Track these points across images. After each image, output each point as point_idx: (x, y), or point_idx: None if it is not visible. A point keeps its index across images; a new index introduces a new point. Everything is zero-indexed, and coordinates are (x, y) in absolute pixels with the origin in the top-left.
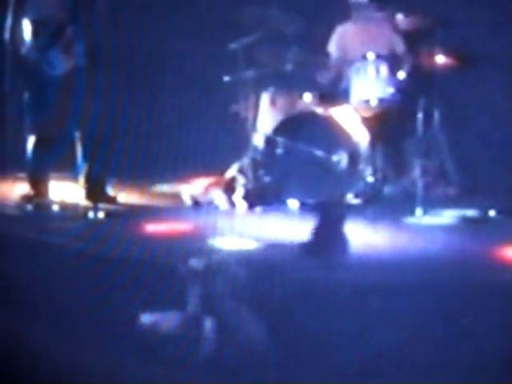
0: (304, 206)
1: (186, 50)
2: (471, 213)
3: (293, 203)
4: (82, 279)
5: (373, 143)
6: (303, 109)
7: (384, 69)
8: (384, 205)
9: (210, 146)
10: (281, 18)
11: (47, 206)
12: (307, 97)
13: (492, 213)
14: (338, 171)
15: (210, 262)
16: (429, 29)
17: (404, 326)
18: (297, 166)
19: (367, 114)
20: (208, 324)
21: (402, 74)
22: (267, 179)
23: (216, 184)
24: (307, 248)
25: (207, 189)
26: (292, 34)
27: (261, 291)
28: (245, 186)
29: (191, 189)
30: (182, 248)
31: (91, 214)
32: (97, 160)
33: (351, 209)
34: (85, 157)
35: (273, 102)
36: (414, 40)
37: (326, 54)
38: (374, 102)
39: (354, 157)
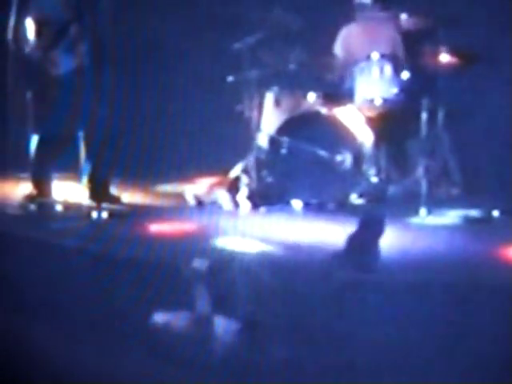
0: (308, 206)
1: (191, 49)
2: (475, 213)
3: (296, 203)
4: (85, 279)
5: (377, 143)
6: (307, 109)
7: (388, 69)
8: (388, 205)
9: (213, 145)
10: (285, 18)
11: (50, 205)
12: (311, 97)
13: (495, 213)
14: (341, 171)
15: (216, 261)
16: (432, 28)
17: (406, 325)
18: (301, 166)
19: (371, 114)
20: (215, 324)
21: (405, 74)
22: (271, 179)
23: (220, 184)
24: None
25: (211, 189)
26: (296, 34)
27: (271, 291)
28: (249, 185)
29: (195, 189)
30: (186, 248)
31: (95, 214)
32: (100, 160)
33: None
34: (88, 157)
35: (277, 102)
36: (418, 40)
37: (331, 55)
38: (378, 102)
39: (357, 157)
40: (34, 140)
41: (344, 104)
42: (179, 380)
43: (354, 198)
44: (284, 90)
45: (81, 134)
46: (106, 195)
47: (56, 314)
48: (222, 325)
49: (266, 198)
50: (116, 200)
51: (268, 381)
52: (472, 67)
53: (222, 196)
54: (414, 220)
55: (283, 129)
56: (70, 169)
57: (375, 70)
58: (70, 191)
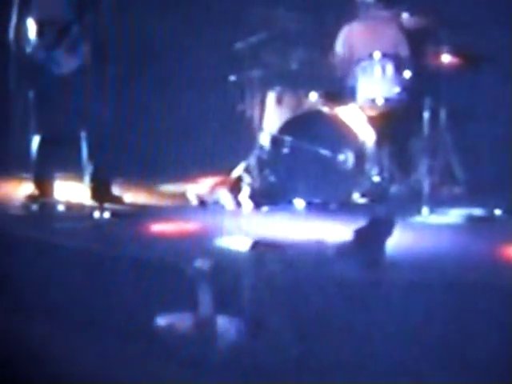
0: (310, 206)
1: (193, 49)
2: (477, 212)
3: (299, 203)
4: (87, 279)
5: (379, 142)
6: (309, 108)
7: (390, 68)
8: (390, 204)
9: (216, 145)
10: (287, 18)
11: (52, 206)
12: (313, 96)
13: (498, 212)
14: (344, 170)
15: (218, 261)
16: (435, 28)
17: (407, 324)
18: (303, 166)
19: (373, 113)
20: (217, 323)
21: (407, 74)
22: (273, 178)
23: (222, 183)
24: (342, 252)
25: (213, 188)
26: (298, 34)
27: (274, 291)
28: (251, 185)
29: (197, 188)
30: (189, 248)
31: (97, 214)
32: (102, 160)
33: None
34: (91, 157)
35: (279, 101)
36: (420, 39)
37: (333, 54)
38: (379, 101)
39: (360, 156)
40: (36, 140)
41: (346, 103)
42: (182, 380)
43: (357, 198)
44: (286, 90)
45: (83, 134)
46: (108, 195)
47: (58, 314)
48: (225, 324)
49: (268, 197)
50: (118, 200)
51: (272, 380)
52: (474, 67)
53: (225, 196)
54: (417, 219)
55: (285, 128)
56: (72, 169)
57: (377, 69)
58: (72, 191)
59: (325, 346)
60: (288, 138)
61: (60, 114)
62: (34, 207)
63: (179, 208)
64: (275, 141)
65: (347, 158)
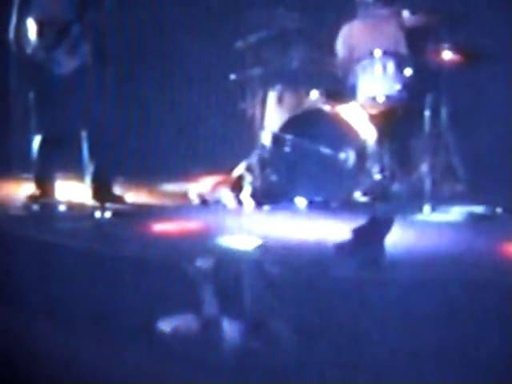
0: (311, 204)
1: (194, 48)
2: (479, 210)
3: (300, 201)
4: (89, 279)
5: (380, 140)
6: (310, 106)
7: (391, 66)
8: (392, 202)
9: (217, 144)
10: (288, 17)
11: (53, 206)
12: (314, 94)
13: (499, 210)
14: (345, 169)
15: (220, 260)
16: (435, 25)
17: (409, 322)
18: (304, 164)
19: (374, 112)
20: (220, 322)
21: (408, 71)
22: (274, 177)
23: (223, 182)
24: (343, 251)
25: (215, 187)
26: (299, 32)
27: (275, 289)
28: (252, 184)
29: (199, 187)
30: (190, 247)
31: (98, 214)
32: (103, 159)
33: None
34: (91, 156)
35: (280, 100)
36: (421, 37)
37: (333, 52)
38: (380, 99)
39: (361, 154)
40: (37, 140)
41: (347, 101)
42: (183, 380)
43: (358, 196)
44: (287, 88)
45: (84, 134)
46: (110, 195)
47: (59, 314)
48: (227, 323)
49: (269, 196)
50: (119, 200)
51: (274, 380)
52: (475, 64)
53: (226, 195)
54: (418, 217)
55: (286, 127)
56: (73, 169)
57: (378, 67)
58: (73, 191)
59: (326, 345)
60: (289, 137)
61: (61, 114)
62: (35, 207)
63: (181, 207)
64: (276, 139)
65: (348, 156)
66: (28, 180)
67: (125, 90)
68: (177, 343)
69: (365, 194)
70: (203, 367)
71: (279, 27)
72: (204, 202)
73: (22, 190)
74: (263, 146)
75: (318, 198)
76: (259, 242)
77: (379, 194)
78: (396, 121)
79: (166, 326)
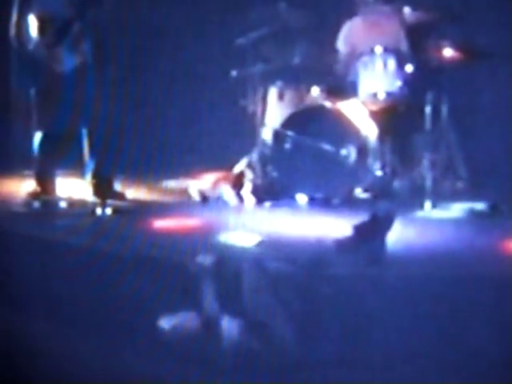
0: (312, 201)
1: (194, 45)
2: (480, 206)
3: (301, 198)
4: (89, 276)
5: (381, 137)
6: (311, 103)
7: (392, 62)
8: (393, 199)
9: (218, 140)
10: (289, 13)
11: (54, 203)
12: (315, 91)
13: (501, 206)
14: (346, 165)
15: (221, 256)
16: (436, 22)
17: (410, 319)
18: (305, 161)
19: (375, 108)
20: (221, 320)
21: (409, 68)
22: (275, 174)
23: (224, 179)
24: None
25: (215, 184)
26: (300, 29)
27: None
28: (253, 180)
29: (199, 184)
30: (191, 244)
31: (99, 211)
32: (104, 156)
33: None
34: (92, 153)
35: (281, 97)
36: (422, 34)
37: (334, 49)
38: (381, 96)
39: (362, 151)
40: (38, 137)
41: (348, 98)
42: (184, 378)
43: (359, 192)
44: (288, 85)
45: (84, 131)
46: (110, 192)
47: (60, 311)
48: (228, 321)
49: (270, 192)
50: (120, 196)
51: (275, 380)
52: (476, 61)
53: (227, 191)
54: (419, 214)
55: (287, 123)
56: (74, 166)
57: (379, 63)
58: (74, 188)
59: (326, 342)
60: (290, 133)
61: (61, 111)
62: (36, 204)
63: (181, 204)
64: (277, 136)
65: (349, 152)
66: (29, 177)
67: (125, 87)
68: (177, 341)
69: (366, 190)
70: (203, 366)
71: (280, 23)
72: (205, 198)
73: (23, 186)
74: (264, 143)
75: (318, 195)
76: (260, 238)
77: (380, 190)
78: (397, 117)
79: (166, 323)
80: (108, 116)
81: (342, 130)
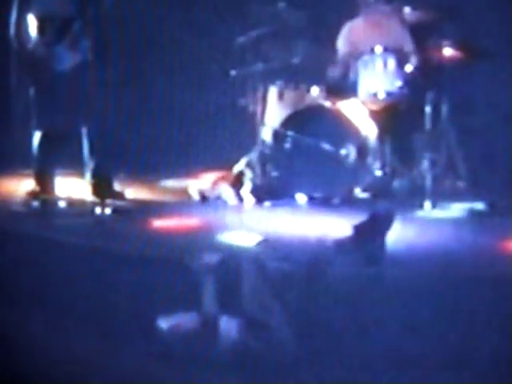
0: (312, 200)
1: (195, 44)
2: (480, 206)
3: (301, 197)
4: (89, 276)
5: (381, 137)
6: (311, 102)
7: (392, 62)
8: (393, 198)
9: (217, 140)
10: (289, 13)
11: (54, 202)
12: (315, 90)
13: (500, 206)
14: (346, 165)
15: (222, 257)
16: (437, 22)
17: (410, 319)
18: (305, 160)
19: (375, 108)
20: (221, 320)
21: (409, 68)
22: (275, 173)
23: (224, 179)
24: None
25: (215, 183)
26: (300, 28)
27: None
28: (253, 180)
29: (199, 184)
30: (191, 243)
31: (98, 210)
32: (104, 156)
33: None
34: (91, 153)
35: (281, 96)
36: (422, 33)
37: (334, 48)
38: (381, 96)
39: (362, 150)
40: (38, 136)
41: (348, 98)
42: (184, 378)
43: (359, 192)
44: (288, 84)
45: (84, 130)
46: (110, 191)
47: (59, 311)
48: (228, 321)
49: (270, 192)
50: (120, 196)
51: (276, 380)
52: (476, 61)
53: (227, 191)
54: (419, 213)
55: (287, 123)
56: (74, 165)
57: (379, 63)
58: (73, 187)
59: (326, 342)
60: (290, 133)
61: (61, 110)
62: (35, 204)
63: (181, 204)
64: (277, 135)
65: (349, 152)
66: (28, 176)
67: (125, 86)
68: (176, 341)
69: (365, 190)
70: (204, 366)
71: (280, 23)
72: (204, 198)
73: (23, 186)
74: (264, 142)
75: (318, 195)
76: (259, 238)
77: (380, 190)
78: (397, 117)
79: (166, 323)
80: (108, 115)
81: (341, 130)
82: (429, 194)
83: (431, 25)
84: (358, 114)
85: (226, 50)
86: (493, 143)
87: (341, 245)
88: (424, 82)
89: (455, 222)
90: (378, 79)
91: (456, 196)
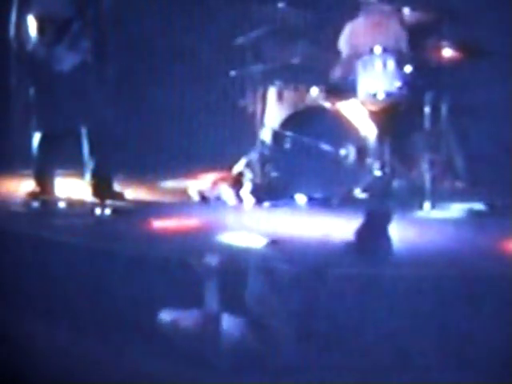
0: (311, 201)
1: (194, 44)
2: (479, 206)
3: (300, 198)
4: (89, 276)
5: (380, 137)
6: (310, 103)
7: (391, 62)
8: (392, 199)
9: (217, 140)
10: (289, 13)
11: (53, 203)
12: (314, 91)
13: (500, 206)
14: (345, 165)
15: (222, 257)
16: (436, 23)
17: (410, 319)
18: (304, 161)
19: (374, 108)
20: (222, 320)
21: (409, 68)
22: (275, 174)
23: (223, 179)
24: (349, 246)
25: (215, 184)
26: (299, 28)
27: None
28: (252, 180)
29: (198, 184)
30: (190, 244)
31: (98, 211)
32: (103, 156)
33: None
34: (91, 153)
35: (280, 97)
36: (421, 34)
37: (334, 49)
38: (381, 96)
39: (361, 151)
40: (37, 137)
41: (347, 98)
42: (185, 378)
43: (358, 192)
44: (287, 85)
45: (84, 131)
46: (110, 192)
47: (60, 311)
48: (228, 321)
49: (269, 192)
50: (119, 196)
51: (277, 380)
52: (476, 61)
53: (226, 191)
54: (419, 214)
55: (287, 123)
56: (73, 165)
57: (378, 63)
58: (73, 188)
59: (328, 342)
60: (289, 133)
61: (61, 111)
62: (35, 204)
63: (180, 204)
64: (277, 136)
65: (349, 152)
66: (28, 177)
67: (124, 87)
68: (177, 341)
69: (365, 190)
70: (205, 366)
71: (280, 23)
72: (204, 198)
73: (22, 186)
74: (263, 143)
75: (318, 195)
76: (259, 238)
77: (379, 190)
78: (396, 118)
79: (166, 323)
80: (107, 116)
81: (341, 130)
82: (428, 194)
83: (431, 25)
84: (358, 114)
85: (226, 51)
86: (492, 143)
87: (350, 245)
88: (423, 82)
89: (455, 223)
90: (378, 80)
91: (455, 196)
